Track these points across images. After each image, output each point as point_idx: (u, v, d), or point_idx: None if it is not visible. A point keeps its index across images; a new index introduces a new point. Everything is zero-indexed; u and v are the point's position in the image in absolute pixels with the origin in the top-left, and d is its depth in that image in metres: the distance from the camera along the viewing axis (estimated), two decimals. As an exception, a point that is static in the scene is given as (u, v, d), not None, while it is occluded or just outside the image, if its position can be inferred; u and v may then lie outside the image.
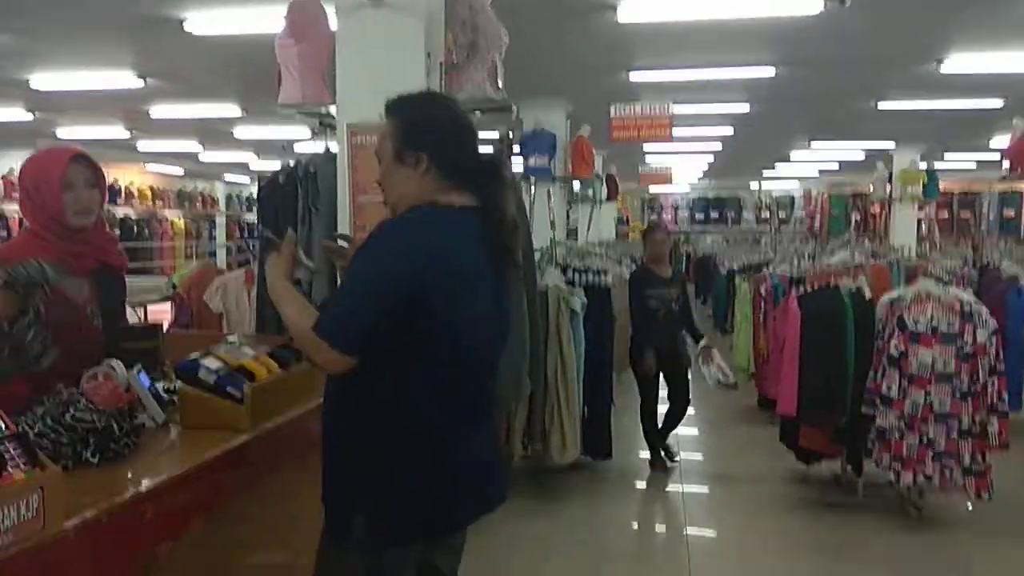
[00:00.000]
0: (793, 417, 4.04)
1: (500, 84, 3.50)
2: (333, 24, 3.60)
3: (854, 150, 12.95)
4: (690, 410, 5.12)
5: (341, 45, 3.47)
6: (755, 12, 4.97)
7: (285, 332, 3.52)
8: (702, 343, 4.78)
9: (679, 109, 7.43)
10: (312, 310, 1.72)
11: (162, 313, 5.20)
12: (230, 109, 8.91)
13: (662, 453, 4.95)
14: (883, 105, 8.50)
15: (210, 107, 8.80)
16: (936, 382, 3.59)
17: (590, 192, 10.93)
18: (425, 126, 1.78)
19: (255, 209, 4.75)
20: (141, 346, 2.18)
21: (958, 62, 6.39)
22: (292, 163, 3.75)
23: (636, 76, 6.81)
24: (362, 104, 3.44)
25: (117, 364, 2.00)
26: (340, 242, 2.12)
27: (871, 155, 13.07)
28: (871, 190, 14.16)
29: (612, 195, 12.19)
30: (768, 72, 6.67)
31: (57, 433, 1.56)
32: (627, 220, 19.21)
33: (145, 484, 1.53)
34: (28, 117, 9.03)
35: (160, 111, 8.98)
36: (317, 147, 3.95)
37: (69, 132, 10.52)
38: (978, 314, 3.59)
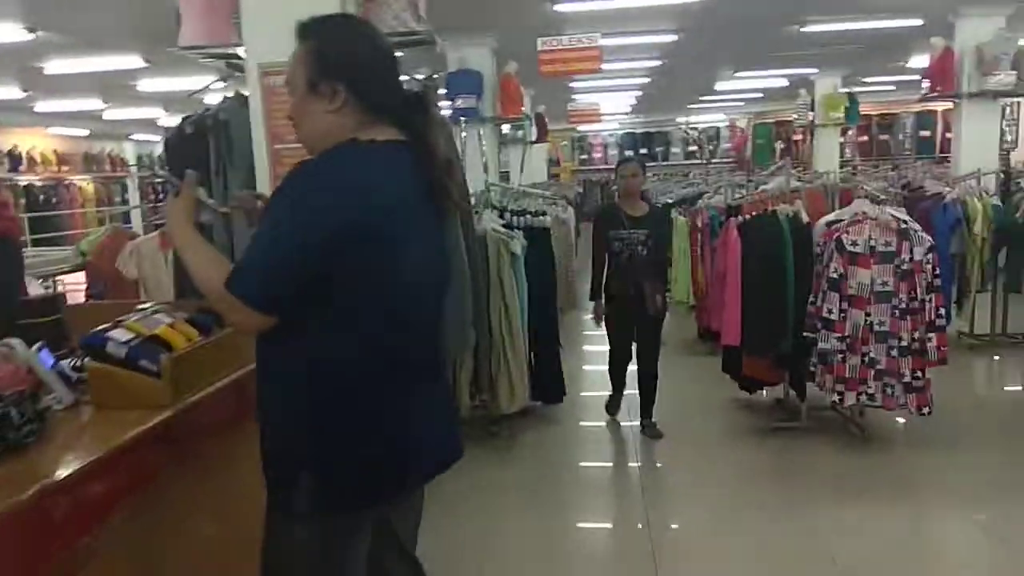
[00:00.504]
0: (737, 347, 4.04)
1: (422, 14, 3.28)
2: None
3: (777, 77, 13.02)
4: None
5: (244, -24, 3.18)
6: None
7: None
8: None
9: (606, 42, 7.25)
10: (224, 261, 1.54)
11: (76, 285, 4.87)
12: (132, 60, 8.33)
13: (641, 424, 4.43)
14: (807, 29, 8.49)
15: (110, 59, 8.20)
16: (875, 302, 3.61)
17: (519, 133, 10.73)
18: (343, 52, 1.57)
19: (163, 166, 4.43)
20: (41, 321, 1.96)
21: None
22: (200, 112, 3.47)
23: (561, 7, 6.59)
24: (273, 41, 3.14)
25: (17, 343, 1.78)
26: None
27: (794, 82, 13.16)
28: (795, 117, 14.31)
29: (542, 136, 12.00)
30: (695, -2, 6.54)
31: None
32: (559, 161, 19.06)
33: (50, 476, 1.34)
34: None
35: (56, 67, 8.33)
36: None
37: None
38: (914, 232, 3.60)
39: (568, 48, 6.57)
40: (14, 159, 13.34)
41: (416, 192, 1.58)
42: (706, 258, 5.12)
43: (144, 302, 2.92)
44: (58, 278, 5.00)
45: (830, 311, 3.63)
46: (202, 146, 3.35)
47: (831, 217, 3.83)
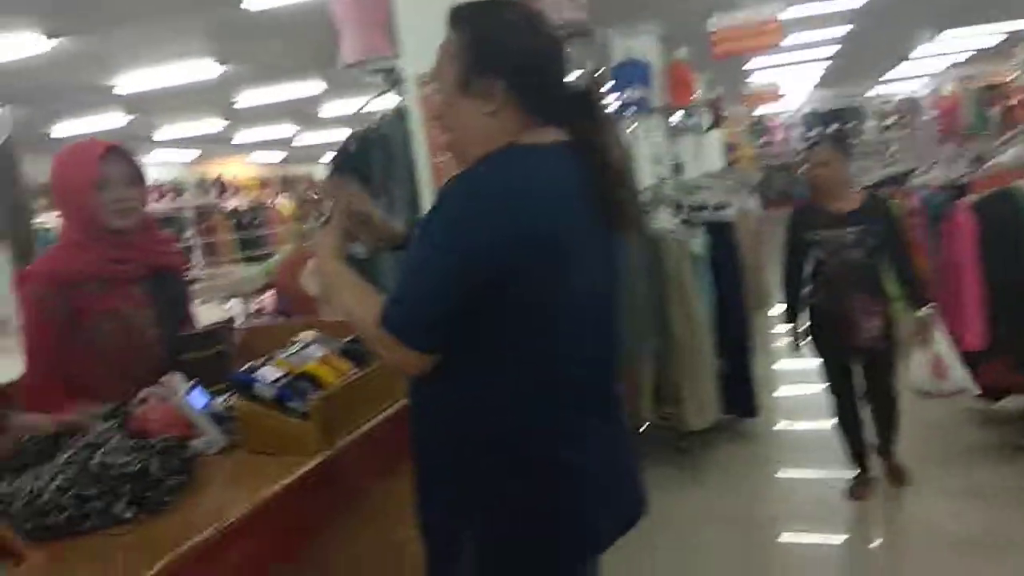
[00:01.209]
0: (984, 351, 3.36)
1: (583, 1, 3.02)
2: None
3: (986, 36, 11.49)
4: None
5: (398, -13, 3.07)
6: None
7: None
8: (921, 314, 3.13)
9: (786, 15, 6.62)
10: (376, 296, 1.36)
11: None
12: (315, 86, 8.74)
13: (881, 463, 3.44)
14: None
15: (294, 87, 8.65)
16: None
17: (691, 122, 10.19)
18: (502, 44, 1.34)
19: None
20: (201, 355, 1.90)
21: None
22: (363, 128, 3.41)
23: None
24: (430, 48, 3.04)
25: (176, 380, 1.72)
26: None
27: (1008, 39, 11.57)
28: (1012, 77, 12.61)
29: (718, 122, 11.35)
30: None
31: (78, 487, 1.27)
32: (735, 148, 18.09)
33: (184, 544, 1.21)
34: (124, 122, 9.17)
35: (247, 98, 8.92)
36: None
37: (166, 133, 10.70)
38: None
39: (743, 26, 6.04)
40: (221, 186, 14.58)
41: (586, 203, 1.33)
42: (923, 248, 4.44)
43: (314, 321, 2.88)
44: (253, 298, 5.25)
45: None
46: (366, 163, 3.29)
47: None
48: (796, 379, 4.21)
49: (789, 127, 19.03)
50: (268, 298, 4.87)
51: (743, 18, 6.10)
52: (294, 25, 5.86)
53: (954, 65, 15.27)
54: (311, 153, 16.39)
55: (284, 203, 16.01)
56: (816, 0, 7.23)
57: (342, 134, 12.23)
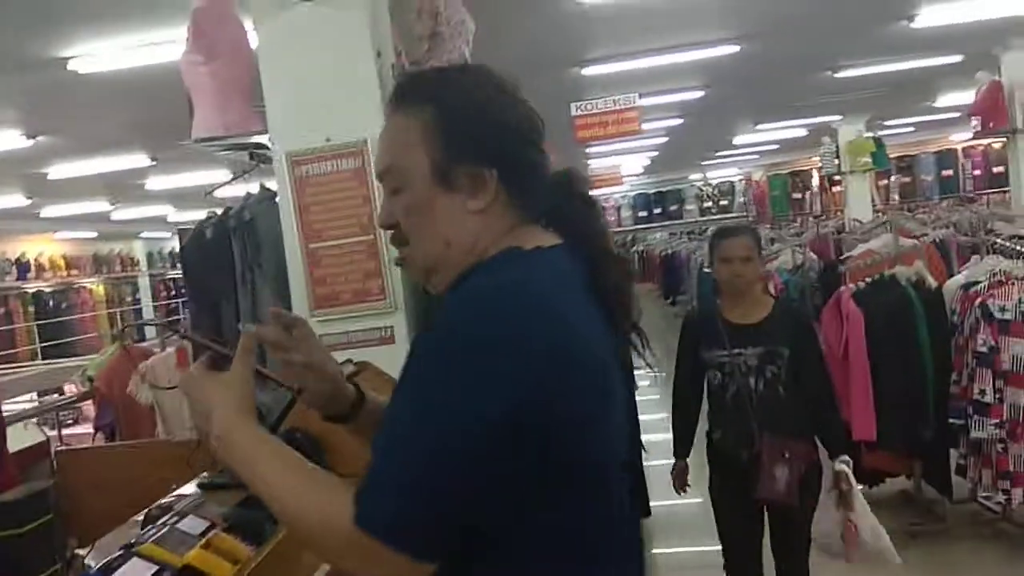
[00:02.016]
0: (874, 443, 3.36)
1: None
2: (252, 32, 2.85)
3: (797, 127, 12.65)
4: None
5: (266, 54, 2.71)
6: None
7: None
8: (837, 463, 2.51)
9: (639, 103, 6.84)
10: (331, 476, 0.95)
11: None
12: (138, 159, 7.98)
13: None
14: (840, 74, 8.08)
15: (115, 160, 7.85)
16: (1035, 377, 3.01)
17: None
18: (481, 119, 1.01)
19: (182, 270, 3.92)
20: (28, 530, 1.38)
21: (930, 16, 5.96)
22: (220, 211, 2.96)
23: (590, 71, 6.19)
24: (301, 126, 2.70)
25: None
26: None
27: (813, 130, 12.78)
28: (820, 166, 13.90)
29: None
30: (732, 50, 6.12)
31: None
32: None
33: None
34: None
35: (60, 171, 7.98)
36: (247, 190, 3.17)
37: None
38: (1071, 290, 3.03)
39: (605, 111, 6.14)
40: (21, 267, 13.01)
41: (600, 311, 1.02)
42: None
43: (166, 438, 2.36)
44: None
45: (983, 392, 3.02)
46: (224, 251, 2.83)
47: (962, 279, 3.26)
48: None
49: (619, 208, 19.97)
50: (87, 407, 4.14)
51: (603, 105, 6.20)
52: (121, 92, 5.26)
53: (763, 154, 16.70)
54: (128, 228, 15.10)
55: (95, 285, 14.56)
56: (662, 94, 7.55)
57: (164, 209, 11.34)
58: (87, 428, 5.48)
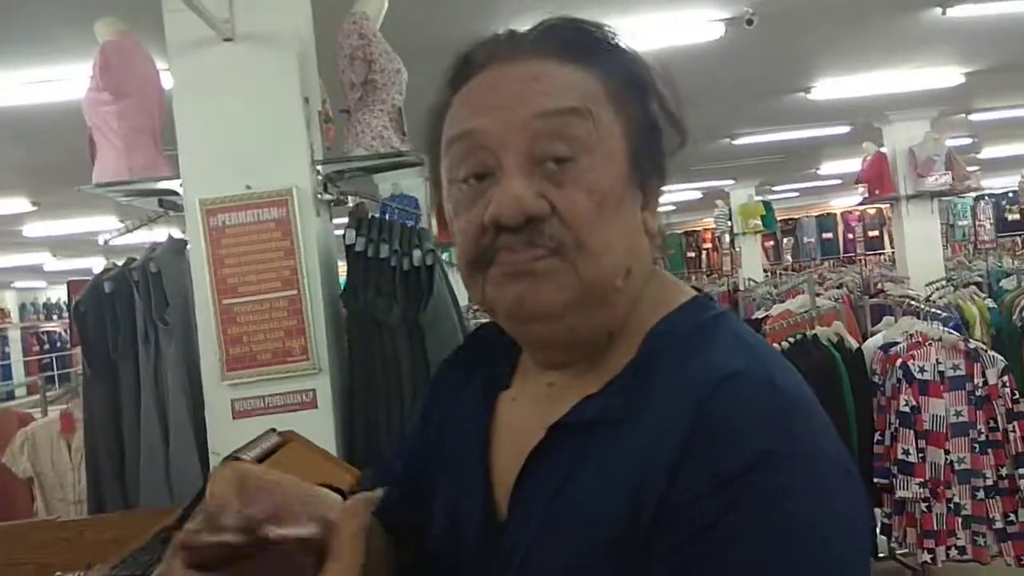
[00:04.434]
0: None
1: (406, 131, 2.68)
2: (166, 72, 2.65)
3: (694, 190, 13.17)
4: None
5: (180, 95, 2.52)
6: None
7: (133, 501, 2.39)
8: None
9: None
10: None
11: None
12: (17, 204, 7.40)
13: None
14: (737, 141, 8.46)
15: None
16: (952, 436, 3.09)
17: (445, 256, 10.23)
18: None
19: (70, 327, 3.56)
20: None
21: (824, 89, 6.32)
22: (121, 264, 2.69)
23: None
24: (218, 172, 2.51)
25: None
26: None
27: (708, 193, 13.33)
28: (714, 227, 14.47)
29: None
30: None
31: None
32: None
33: None
34: None
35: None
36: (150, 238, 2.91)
37: None
38: (983, 351, 3.14)
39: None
40: None
41: None
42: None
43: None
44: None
45: (906, 452, 3.07)
46: (125, 307, 2.56)
47: (880, 339, 3.34)
48: None
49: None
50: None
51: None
52: (3, 132, 4.86)
53: (662, 214, 17.22)
54: (1, 279, 14.00)
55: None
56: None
57: (41, 257, 10.61)
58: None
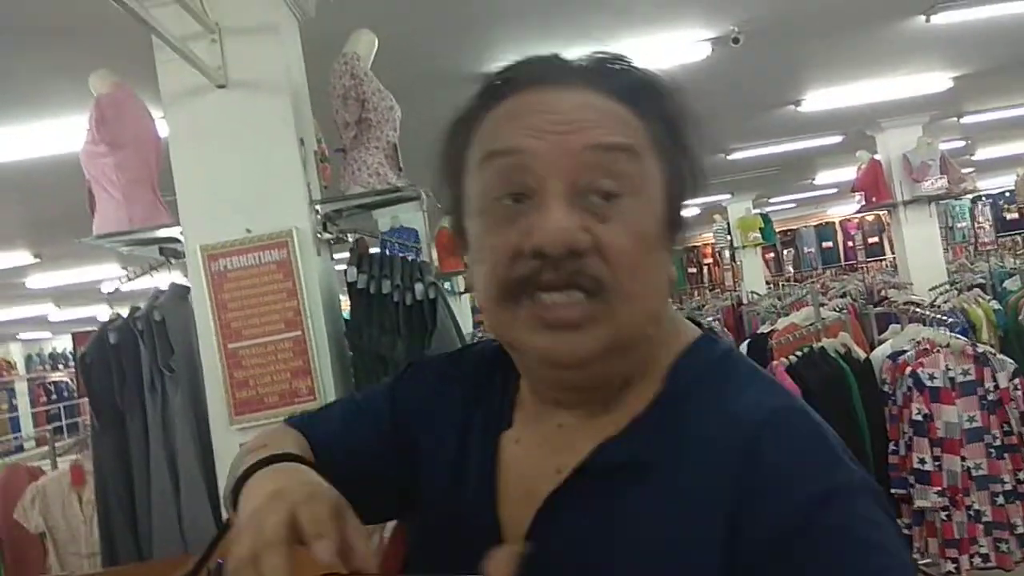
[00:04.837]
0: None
1: (402, 166, 2.70)
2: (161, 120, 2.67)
3: (692, 206, 13.15)
4: None
5: (177, 143, 2.54)
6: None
7: (146, 552, 2.37)
8: None
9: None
10: None
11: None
12: (20, 257, 7.43)
13: None
14: (732, 156, 8.49)
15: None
16: (967, 442, 3.07)
17: (447, 285, 10.24)
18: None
19: (78, 377, 3.56)
20: None
21: (814, 101, 6.35)
22: (125, 313, 2.69)
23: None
24: (217, 218, 2.52)
25: None
26: None
27: (705, 209, 13.37)
28: (714, 242, 14.49)
29: (470, 288, 11.56)
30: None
31: None
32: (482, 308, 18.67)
33: None
34: None
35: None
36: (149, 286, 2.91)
37: None
38: (991, 355, 3.13)
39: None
40: None
41: None
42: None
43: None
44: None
45: (922, 460, 3.04)
46: (131, 357, 2.56)
47: (888, 348, 3.33)
48: None
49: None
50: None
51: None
52: (5, 187, 4.89)
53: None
54: (3, 329, 14.01)
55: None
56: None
57: (45, 308, 10.59)
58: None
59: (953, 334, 3.28)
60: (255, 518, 0.60)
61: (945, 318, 3.62)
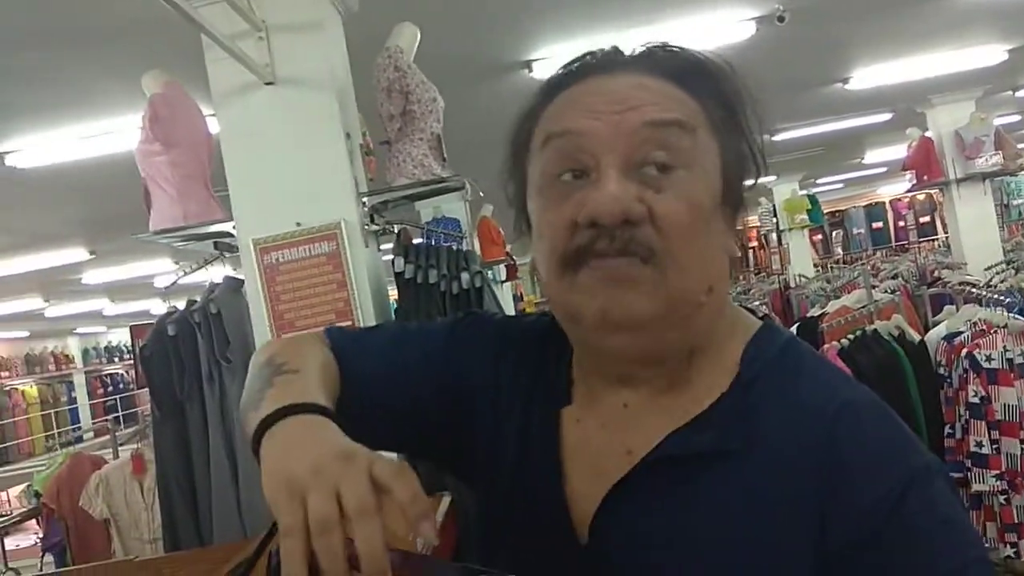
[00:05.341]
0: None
1: (446, 156, 2.72)
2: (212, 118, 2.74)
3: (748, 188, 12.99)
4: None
5: (228, 140, 2.60)
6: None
7: (207, 537, 2.43)
8: None
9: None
10: None
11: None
12: (76, 254, 7.67)
13: None
14: (778, 137, 8.34)
15: (51, 255, 7.52)
16: (1026, 424, 2.99)
17: (489, 274, 10.27)
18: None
19: (136, 370, 3.67)
20: None
21: (862, 78, 6.21)
22: (182, 306, 2.77)
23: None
24: (268, 212, 2.58)
25: None
26: None
27: (751, 192, 13.14)
28: (760, 225, 14.27)
29: (511, 275, 11.56)
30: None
31: None
32: (522, 295, 18.70)
33: None
34: None
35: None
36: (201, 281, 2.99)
37: None
38: (1049, 335, 3.05)
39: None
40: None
41: None
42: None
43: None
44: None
45: (979, 444, 2.98)
46: (189, 348, 2.64)
47: (943, 330, 3.26)
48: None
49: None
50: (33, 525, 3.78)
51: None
52: (61, 186, 5.05)
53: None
54: (62, 325, 14.48)
55: (28, 387, 13.82)
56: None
57: (100, 303, 10.88)
58: (26, 538, 5.08)
59: (1011, 315, 3.19)
60: (325, 479, 0.55)
61: (1002, 298, 3.52)
